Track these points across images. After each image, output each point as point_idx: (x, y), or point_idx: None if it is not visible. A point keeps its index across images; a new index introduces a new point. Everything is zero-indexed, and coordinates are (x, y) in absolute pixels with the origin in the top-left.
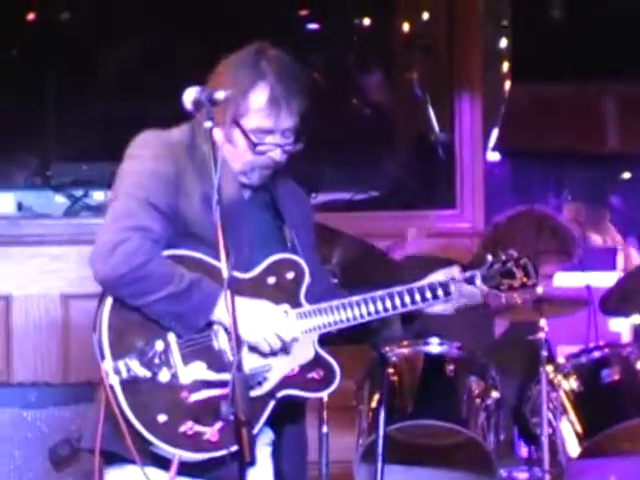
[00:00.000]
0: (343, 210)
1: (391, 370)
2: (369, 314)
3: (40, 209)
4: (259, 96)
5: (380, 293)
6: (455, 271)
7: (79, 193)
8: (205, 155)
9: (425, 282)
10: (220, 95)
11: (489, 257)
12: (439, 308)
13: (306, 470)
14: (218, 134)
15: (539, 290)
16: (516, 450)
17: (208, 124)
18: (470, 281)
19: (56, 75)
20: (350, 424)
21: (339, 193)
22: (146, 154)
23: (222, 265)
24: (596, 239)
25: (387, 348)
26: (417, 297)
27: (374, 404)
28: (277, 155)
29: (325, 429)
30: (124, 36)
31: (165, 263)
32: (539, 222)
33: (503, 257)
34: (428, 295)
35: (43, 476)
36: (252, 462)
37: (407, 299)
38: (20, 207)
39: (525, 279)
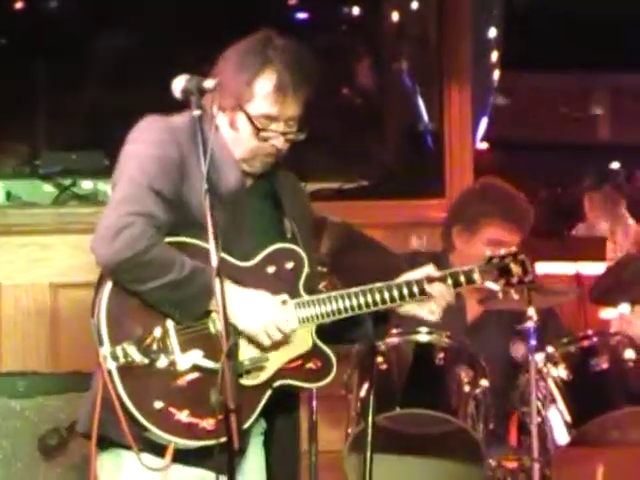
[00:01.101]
0: (332, 199)
1: (380, 359)
2: (367, 305)
3: (29, 198)
4: (266, 82)
5: (378, 285)
6: (430, 269)
7: (67, 182)
8: (207, 141)
9: (402, 279)
10: (209, 83)
11: (487, 252)
12: (427, 314)
13: (299, 459)
14: (220, 119)
15: (486, 253)
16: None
17: (196, 113)
18: (468, 275)
19: (45, 64)
20: (339, 413)
21: (328, 182)
22: (150, 139)
23: (211, 253)
24: (604, 228)
25: (378, 343)
26: (410, 291)
27: (363, 393)
28: (280, 143)
29: (314, 418)
30: (114, 25)
31: (167, 250)
32: (483, 189)
33: (501, 252)
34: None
35: (32, 466)
36: (241, 450)
37: (405, 291)
38: (8, 196)
39: (523, 275)
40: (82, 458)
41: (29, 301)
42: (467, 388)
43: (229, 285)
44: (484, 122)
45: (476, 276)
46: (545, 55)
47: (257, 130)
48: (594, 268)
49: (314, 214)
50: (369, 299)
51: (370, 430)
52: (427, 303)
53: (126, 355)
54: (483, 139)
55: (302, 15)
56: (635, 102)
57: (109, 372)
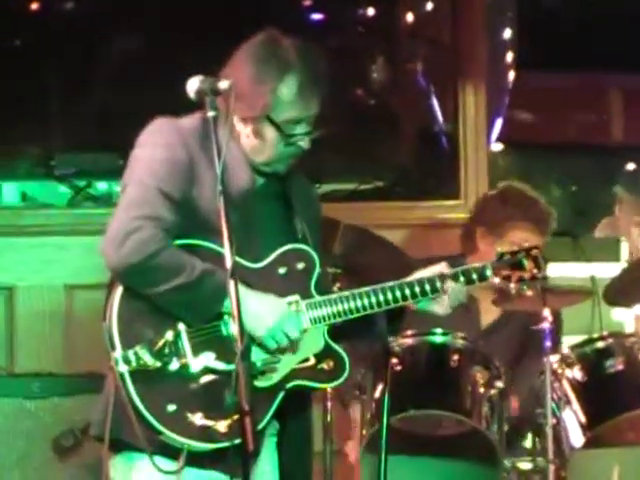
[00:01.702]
0: (347, 200)
1: (395, 360)
2: (378, 304)
3: (44, 199)
4: (288, 88)
5: (390, 284)
6: (443, 267)
7: (82, 183)
8: (218, 145)
9: (414, 278)
10: (223, 85)
11: (499, 249)
12: (437, 308)
13: (311, 460)
14: (241, 129)
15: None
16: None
17: (211, 113)
18: (481, 273)
19: (59, 65)
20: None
21: (343, 183)
22: (159, 141)
23: (226, 255)
24: (634, 232)
25: (391, 338)
26: (422, 289)
27: (377, 394)
28: (306, 143)
29: (329, 419)
30: (128, 27)
31: (177, 253)
32: (502, 194)
33: (514, 248)
34: (427, 289)
35: (46, 467)
36: (255, 452)
37: (417, 289)
38: (24, 197)
39: (535, 270)
40: (96, 459)
41: (44, 302)
42: (482, 389)
43: (239, 288)
44: (499, 123)
45: (488, 272)
46: (558, 55)
47: (287, 137)
48: (609, 269)
49: (327, 216)
50: (380, 298)
51: (385, 431)
52: (439, 300)
53: (138, 359)
54: (498, 140)
55: (317, 16)
56: None
57: (121, 376)
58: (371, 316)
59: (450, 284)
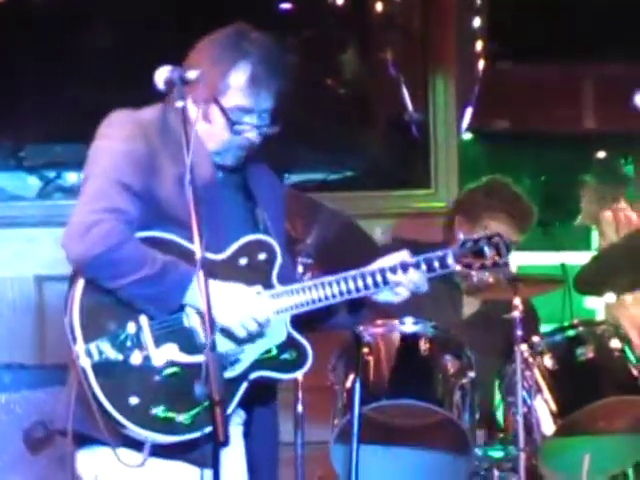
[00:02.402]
0: (317, 190)
1: (366, 350)
2: (341, 294)
3: (13, 191)
4: (240, 75)
5: (352, 273)
6: (405, 255)
7: (52, 174)
8: (178, 135)
9: (375, 267)
10: (192, 74)
11: (461, 236)
12: (389, 297)
13: (277, 450)
14: (193, 112)
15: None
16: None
17: (180, 103)
18: (442, 260)
19: (28, 56)
20: (326, 404)
21: (313, 173)
22: (118, 134)
23: (195, 246)
24: (607, 217)
25: (361, 327)
26: (384, 277)
27: (349, 384)
28: (253, 136)
29: (300, 409)
30: (97, 18)
31: (138, 246)
32: (487, 186)
33: (475, 236)
34: (389, 278)
35: (18, 459)
36: (226, 442)
37: (379, 278)
38: None
39: (497, 257)
40: (66, 451)
41: (14, 294)
42: (453, 378)
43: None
44: (469, 112)
45: (450, 261)
46: (530, 46)
47: (232, 123)
48: (579, 257)
49: (307, 200)
50: (343, 287)
51: (356, 421)
52: (399, 290)
53: (100, 352)
54: (468, 129)
55: (286, 6)
56: (620, 92)
57: (83, 370)
58: (334, 305)
59: (412, 272)
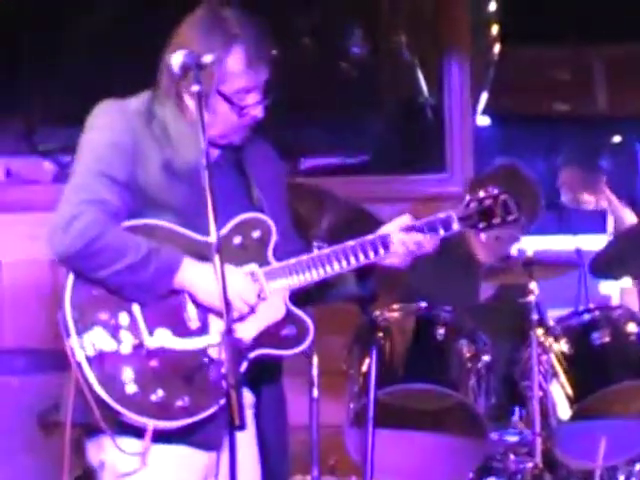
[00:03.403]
0: (332, 174)
1: (381, 334)
2: (341, 267)
3: (28, 175)
4: (236, 59)
5: (351, 244)
6: (407, 219)
7: (67, 159)
8: (163, 122)
9: (377, 235)
10: (207, 58)
11: (467, 196)
12: (394, 260)
13: (287, 430)
14: (187, 100)
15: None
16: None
17: (195, 88)
18: (446, 223)
19: (32, 39)
20: (341, 388)
21: (328, 158)
22: (102, 125)
23: (211, 231)
24: (589, 200)
25: (377, 312)
26: (373, 251)
27: (364, 368)
28: (259, 112)
29: (315, 393)
30: None
31: (121, 234)
32: (506, 173)
33: (480, 195)
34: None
35: (31, 442)
36: (242, 426)
37: (371, 253)
38: (8, 173)
39: (505, 215)
40: (78, 436)
41: (29, 278)
42: (468, 363)
43: (190, 262)
44: (484, 96)
45: (455, 225)
46: (542, 27)
47: (240, 108)
48: (594, 242)
49: (314, 186)
50: (343, 261)
51: (372, 405)
52: (399, 254)
53: (94, 344)
54: (484, 113)
55: None
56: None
57: (78, 364)
58: (337, 277)
59: (414, 235)
